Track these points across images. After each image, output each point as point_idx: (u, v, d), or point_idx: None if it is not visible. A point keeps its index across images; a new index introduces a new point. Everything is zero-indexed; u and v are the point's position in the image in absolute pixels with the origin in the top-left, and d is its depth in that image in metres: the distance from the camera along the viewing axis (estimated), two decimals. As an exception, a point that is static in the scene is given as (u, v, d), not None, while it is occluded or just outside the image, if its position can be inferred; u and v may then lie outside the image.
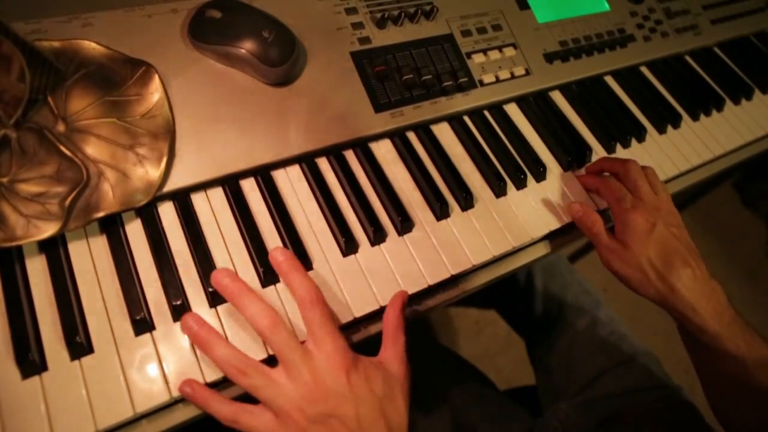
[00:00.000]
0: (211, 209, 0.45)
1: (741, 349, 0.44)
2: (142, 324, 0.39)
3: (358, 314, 0.44)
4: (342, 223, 0.47)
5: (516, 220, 0.53)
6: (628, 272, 0.47)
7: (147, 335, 0.39)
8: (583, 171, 0.59)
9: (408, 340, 0.42)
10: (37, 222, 0.38)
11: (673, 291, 0.45)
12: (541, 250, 0.54)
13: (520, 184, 0.55)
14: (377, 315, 0.45)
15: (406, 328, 0.43)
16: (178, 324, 0.40)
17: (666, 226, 0.48)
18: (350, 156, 0.52)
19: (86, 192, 0.40)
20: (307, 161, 0.50)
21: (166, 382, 0.37)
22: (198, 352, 0.39)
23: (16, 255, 0.39)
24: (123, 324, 0.39)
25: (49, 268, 0.39)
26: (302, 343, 0.38)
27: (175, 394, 0.37)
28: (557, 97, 0.65)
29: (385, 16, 0.56)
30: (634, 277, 0.47)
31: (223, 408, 0.36)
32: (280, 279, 0.42)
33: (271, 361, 0.40)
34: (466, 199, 0.51)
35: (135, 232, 0.42)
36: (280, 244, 0.45)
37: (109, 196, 0.40)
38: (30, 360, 0.35)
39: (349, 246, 0.46)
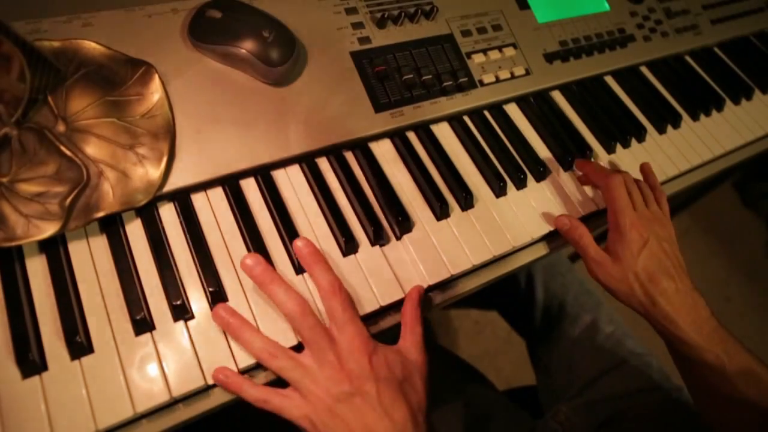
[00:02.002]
0: (212, 209, 0.45)
1: (720, 359, 0.45)
2: (142, 324, 0.39)
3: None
4: (342, 223, 0.47)
5: (516, 220, 0.53)
6: (614, 284, 0.49)
7: (147, 335, 0.39)
8: (580, 172, 0.59)
9: (424, 332, 0.44)
10: (37, 222, 0.38)
11: (655, 304, 0.47)
12: (542, 249, 0.54)
13: (520, 184, 0.55)
14: (377, 315, 0.46)
15: (422, 321, 0.45)
16: (178, 324, 0.40)
17: (658, 242, 0.48)
18: (350, 156, 0.52)
19: (86, 192, 0.40)
20: (307, 161, 0.50)
21: (166, 381, 0.37)
22: (198, 352, 0.39)
23: (16, 255, 0.39)
24: (123, 324, 0.39)
25: (49, 268, 0.39)
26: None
27: (175, 393, 0.37)
28: (557, 97, 0.65)
29: (385, 16, 0.56)
30: (619, 289, 0.48)
31: (254, 391, 0.39)
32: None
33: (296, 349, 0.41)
34: (466, 199, 0.52)
35: (135, 232, 0.42)
36: (281, 244, 0.45)
37: (109, 195, 0.40)
38: (30, 360, 0.35)
39: (349, 246, 0.46)
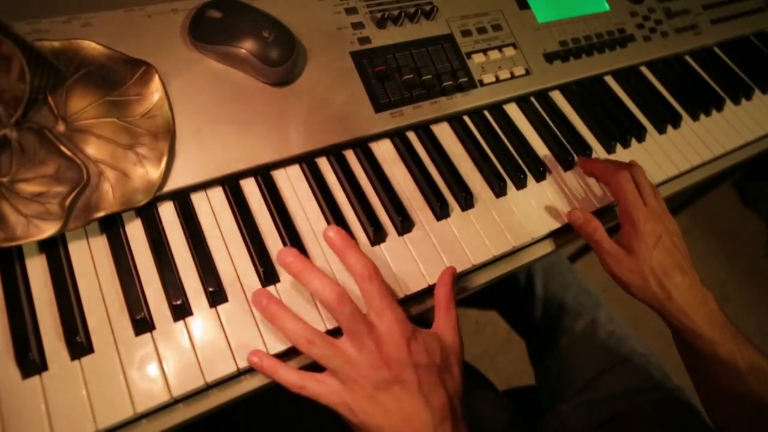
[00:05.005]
0: (211, 209, 0.45)
1: (733, 354, 0.45)
2: (142, 324, 0.39)
3: (358, 314, 0.44)
4: (342, 224, 0.47)
5: (516, 220, 0.53)
6: (629, 278, 0.49)
7: (147, 335, 0.39)
8: (584, 171, 0.59)
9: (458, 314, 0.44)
10: (37, 222, 0.38)
11: (669, 298, 0.47)
12: (541, 249, 0.54)
13: (520, 184, 0.55)
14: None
15: (455, 302, 0.45)
16: (178, 323, 0.40)
17: (669, 236, 0.49)
18: (350, 156, 0.52)
19: (86, 192, 0.40)
20: (307, 161, 0.50)
21: (166, 381, 0.37)
22: (198, 352, 0.39)
23: (17, 255, 0.39)
24: (123, 324, 0.39)
25: (49, 268, 0.39)
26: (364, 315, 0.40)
27: (175, 393, 0.37)
28: (557, 97, 0.65)
29: (385, 16, 0.56)
30: (634, 283, 0.48)
31: (290, 375, 0.38)
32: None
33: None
34: (466, 199, 0.52)
35: (135, 232, 0.42)
36: (280, 244, 0.45)
37: (109, 195, 0.40)
38: (30, 360, 0.35)
39: (349, 246, 0.46)
